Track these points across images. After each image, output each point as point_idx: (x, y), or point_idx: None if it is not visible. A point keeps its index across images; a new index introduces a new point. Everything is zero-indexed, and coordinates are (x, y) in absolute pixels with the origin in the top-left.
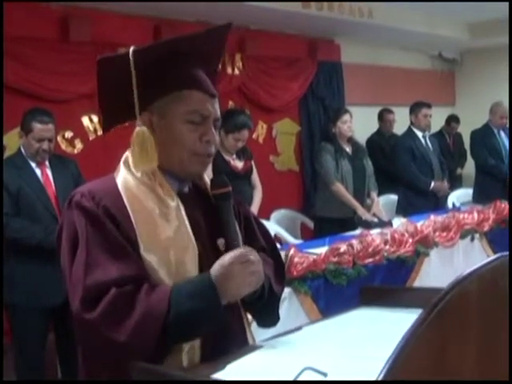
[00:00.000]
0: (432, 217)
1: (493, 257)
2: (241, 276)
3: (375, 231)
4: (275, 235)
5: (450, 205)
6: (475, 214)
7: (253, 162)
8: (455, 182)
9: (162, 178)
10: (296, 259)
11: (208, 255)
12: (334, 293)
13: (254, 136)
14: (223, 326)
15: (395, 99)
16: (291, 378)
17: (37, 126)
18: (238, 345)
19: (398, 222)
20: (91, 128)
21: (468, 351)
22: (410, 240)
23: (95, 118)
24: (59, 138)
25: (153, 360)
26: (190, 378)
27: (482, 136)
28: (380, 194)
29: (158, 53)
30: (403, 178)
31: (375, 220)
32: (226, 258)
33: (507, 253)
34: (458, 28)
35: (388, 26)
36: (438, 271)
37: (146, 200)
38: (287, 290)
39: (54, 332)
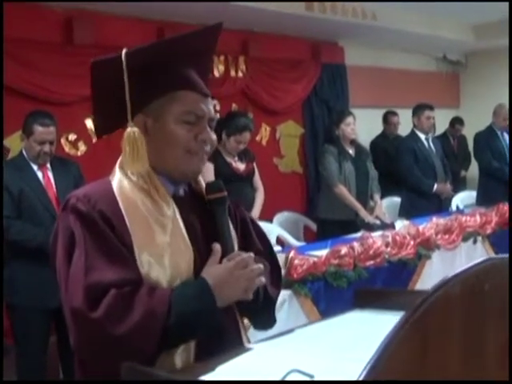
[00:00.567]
0: (434, 219)
1: (478, 260)
2: (237, 281)
3: (377, 233)
4: (278, 237)
5: (453, 207)
6: (478, 217)
7: (255, 164)
8: (459, 185)
9: (158, 182)
10: (296, 261)
11: (203, 259)
12: (335, 295)
13: (258, 138)
14: (218, 328)
15: (399, 101)
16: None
17: (38, 129)
18: (233, 347)
19: (401, 225)
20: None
21: (451, 354)
22: (412, 242)
23: None
24: (63, 141)
25: (145, 361)
26: (177, 378)
27: (486, 138)
28: (383, 196)
29: (151, 54)
30: (406, 181)
31: (377, 222)
32: (225, 263)
33: (493, 256)
34: (462, 30)
35: (392, 28)
36: (440, 274)
37: (142, 204)
38: (287, 293)
39: (56, 333)
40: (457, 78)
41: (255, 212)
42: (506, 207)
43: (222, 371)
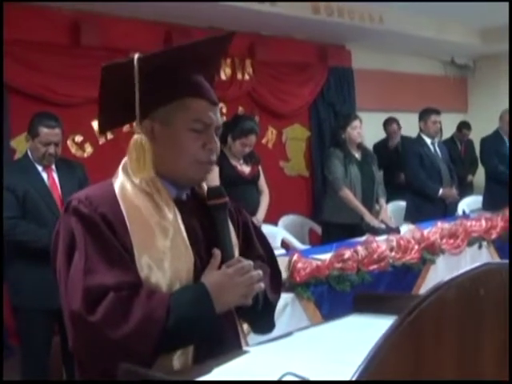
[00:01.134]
0: (439, 224)
1: (474, 265)
2: (236, 287)
3: (381, 237)
4: (283, 240)
5: (460, 212)
6: (483, 222)
7: (260, 167)
8: (466, 189)
9: (161, 185)
10: (299, 265)
11: (203, 264)
12: (338, 299)
13: (264, 141)
14: (217, 333)
15: (406, 105)
16: None
17: (43, 130)
18: (232, 350)
19: (406, 229)
20: None
21: (445, 359)
22: (416, 247)
23: None
24: (69, 142)
25: (143, 364)
26: (173, 379)
27: (492, 143)
28: (389, 200)
29: (163, 60)
30: (412, 185)
31: (382, 226)
32: (225, 269)
33: (491, 261)
34: (470, 34)
35: (399, 31)
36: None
37: (143, 207)
38: (290, 296)
39: (59, 334)
40: (464, 82)
41: (260, 215)
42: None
43: (217, 373)
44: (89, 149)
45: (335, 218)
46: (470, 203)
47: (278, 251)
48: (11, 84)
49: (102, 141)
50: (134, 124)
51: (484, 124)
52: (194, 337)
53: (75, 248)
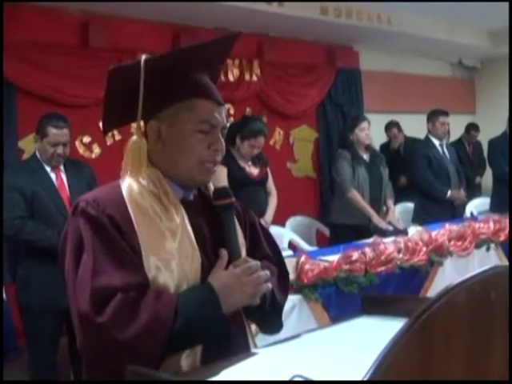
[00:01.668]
0: (447, 225)
1: (483, 268)
2: (243, 288)
3: (389, 239)
4: (290, 242)
5: (467, 214)
6: (491, 224)
7: (268, 169)
8: (474, 191)
9: (168, 186)
10: (307, 266)
11: (211, 264)
12: (346, 301)
13: (271, 142)
14: (225, 333)
15: (414, 107)
16: None
17: (52, 131)
18: (240, 351)
19: (414, 231)
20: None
21: (454, 362)
22: (424, 249)
23: None
24: (77, 143)
25: (150, 365)
26: (180, 379)
27: (500, 145)
28: (397, 202)
29: (169, 62)
30: (420, 186)
31: (390, 228)
32: (232, 269)
33: (498, 264)
34: (478, 35)
35: (407, 32)
36: (453, 281)
37: (151, 208)
38: (297, 297)
39: (67, 334)
40: (472, 83)
41: (268, 216)
42: None
43: (226, 375)
44: (97, 150)
45: (343, 220)
46: (477, 205)
47: (286, 252)
48: (19, 85)
49: (109, 142)
50: (146, 124)
51: (492, 125)
52: (201, 337)
53: (83, 249)
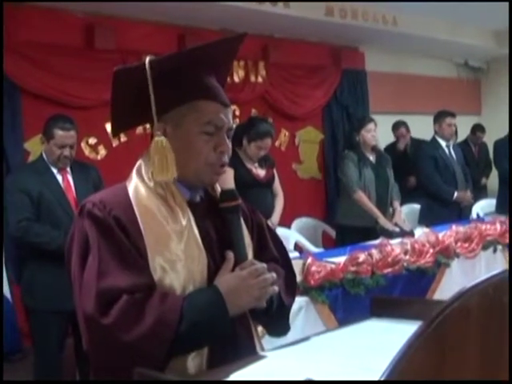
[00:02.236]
0: (454, 227)
1: (496, 272)
2: (250, 290)
3: (396, 241)
4: (296, 243)
5: (474, 215)
6: (498, 225)
7: (275, 170)
8: (480, 192)
9: (174, 188)
10: (313, 268)
11: (217, 265)
12: (352, 302)
13: (277, 144)
14: (231, 335)
15: (420, 108)
16: None
17: (58, 133)
18: (246, 353)
19: (420, 232)
20: None
21: (467, 366)
22: (431, 250)
23: None
24: (83, 144)
25: (155, 366)
26: (185, 380)
27: (505, 146)
28: (403, 203)
29: (174, 63)
30: (426, 188)
31: (397, 229)
32: (238, 271)
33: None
34: (484, 36)
35: (413, 33)
36: (460, 283)
37: (157, 210)
38: (304, 299)
39: (73, 336)
40: (478, 84)
41: (275, 218)
42: None
43: (235, 379)
44: (102, 151)
45: (349, 221)
46: (484, 206)
47: (292, 254)
48: (24, 86)
49: (115, 143)
50: (153, 126)
51: (498, 126)
52: (207, 340)
53: (89, 251)
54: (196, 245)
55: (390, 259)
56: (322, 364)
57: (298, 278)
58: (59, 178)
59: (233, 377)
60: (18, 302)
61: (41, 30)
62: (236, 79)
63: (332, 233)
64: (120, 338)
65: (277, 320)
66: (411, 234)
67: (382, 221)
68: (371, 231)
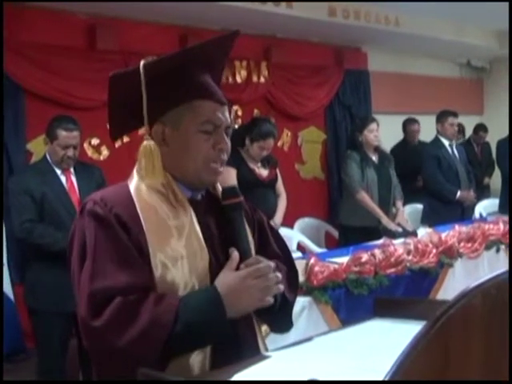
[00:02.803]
0: (457, 227)
1: (499, 271)
2: (250, 291)
3: (399, 241)
4: (298, 243)
5: (476, 215)
6: (501, 225)
7: (278, 170)
8: (483, 192)
9: (176, 186)
10: (316, 268)
11: (220, 263)
12: (355, 303)
13: (279, 144)
14: (234, 335)
15: (422, 108)
16: None
17: (62, 133)
18: (250, 353)
19: (423, 232)
20: None
21: (471, 366)
22: (434, 250)
23: None
24: (85, 145)
25: (155, 366)
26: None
27: (508, 145)
28: (406, 203)
29: (169, 65)
30: (429, 187)
31: (399, 230)
32: (240, 271)
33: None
34: (486, 36)
35: (415, 33)
36: (463, 283)
37: (159, 207)
38: (307, 299)
39: (76, 337)
40: (481, 84)
41: (278, 218)
42: None
43: (239, 379)
44: (105, 152)
45: (352, 221)
46: (486, 206)
47: (294, 254)
48: (27, 87)
49: (118, 144)
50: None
51: (500, 126)
52: (203, 341)
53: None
54: (197, 241)
55: (392, 259)
56: (326, 364)
57: (301, 279)
58: (63, 178)
59: (236, 377)
60: (21, 303)
61: (43, 31)
62: (238, 79)
63: (335, 233)
64: (112, 341)
65: (280, 317)
66: (414, 234)
67: (385, 221)
68: (374, 231)
